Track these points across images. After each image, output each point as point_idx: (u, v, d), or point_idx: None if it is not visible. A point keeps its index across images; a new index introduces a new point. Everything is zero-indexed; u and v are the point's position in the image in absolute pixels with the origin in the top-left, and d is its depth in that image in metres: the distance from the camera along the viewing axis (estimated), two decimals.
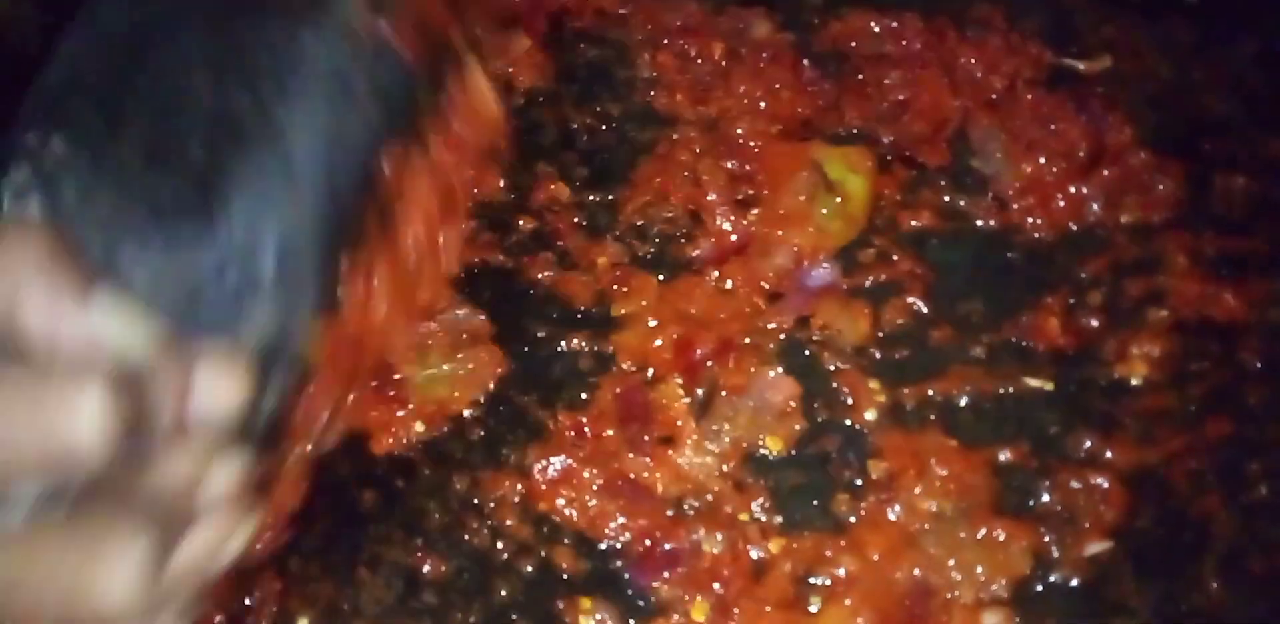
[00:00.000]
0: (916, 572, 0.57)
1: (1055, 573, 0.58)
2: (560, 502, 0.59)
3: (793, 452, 0.61)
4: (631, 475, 0.59)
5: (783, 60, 0.74)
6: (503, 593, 0.58)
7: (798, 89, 0.72)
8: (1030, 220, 0.69)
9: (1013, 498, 0.60)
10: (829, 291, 0.65)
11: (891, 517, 0.58)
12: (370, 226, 0.35)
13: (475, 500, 0.60)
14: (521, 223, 0.69)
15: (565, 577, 0.58)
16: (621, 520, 0.58)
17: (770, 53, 0.74)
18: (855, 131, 0.72)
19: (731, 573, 0.56)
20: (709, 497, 0.59)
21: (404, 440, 0.61)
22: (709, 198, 0.68)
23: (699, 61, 0.76)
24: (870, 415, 0.62)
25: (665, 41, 0.77)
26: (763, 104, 0.72)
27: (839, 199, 0.67)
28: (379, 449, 0.61)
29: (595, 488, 0.59)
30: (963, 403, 0.63)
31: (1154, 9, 0.76)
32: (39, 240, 0.31)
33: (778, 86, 0.72)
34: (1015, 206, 0.69)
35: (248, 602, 0.56)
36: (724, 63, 0.76)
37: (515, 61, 0.76)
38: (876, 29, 0.77)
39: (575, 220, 0.69)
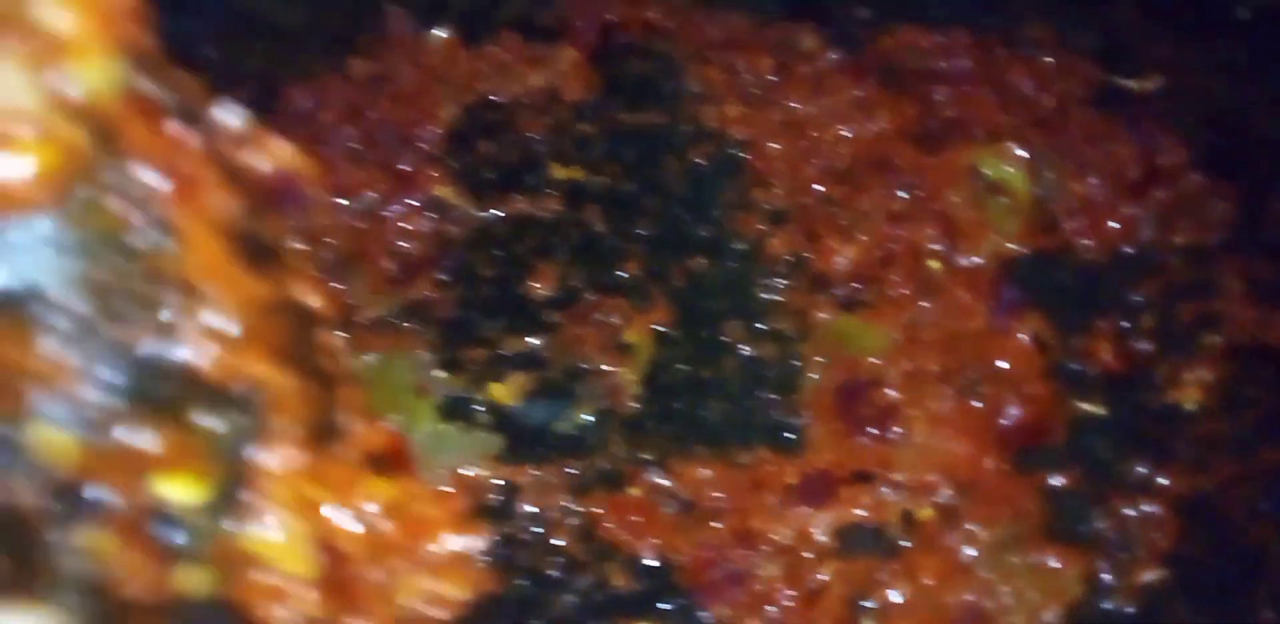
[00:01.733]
0: (969, 596, 0.57)
1: (1108, 600, 0.58)
2: (610, 524, 0.60)
3: None
4: (685, 494, 0.60)
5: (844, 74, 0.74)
6: (558, 611, 0.58)
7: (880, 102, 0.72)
8: (1081, 242, 0.69)
9: (1065, 524, 0.60)
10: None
11: (944, 541, 0.59)
12: None
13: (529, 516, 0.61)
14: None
15: (620, 596, 0.59)
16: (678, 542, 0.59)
17: (827, 67, 0.74)
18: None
19: (787, 596, 0.57)
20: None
21: None
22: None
23: (746, 75, 0.76)
24: None
25: (713, 55, 0.77)
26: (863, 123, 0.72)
27: (1005, 199, 0.66)
28: None
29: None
30: None
31: (1206, 28, 0.75)
32: None
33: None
34: (1066, 227, 0.69)
35: None
36: (772, 77, 0.76)
37: (562, 75, 0.76)
38: (926, 45, 0.77)
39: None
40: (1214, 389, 0.63)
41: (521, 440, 0.63)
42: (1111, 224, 0.69)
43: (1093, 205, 0.70)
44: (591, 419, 0.64)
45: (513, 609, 0.58)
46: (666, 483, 0.61)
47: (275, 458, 0.30)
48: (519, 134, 0.74)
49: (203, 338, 0.28)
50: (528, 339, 0.66)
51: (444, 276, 0.68)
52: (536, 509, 0.61)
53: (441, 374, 0.65)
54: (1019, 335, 0.66)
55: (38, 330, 0.26)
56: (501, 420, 0.64)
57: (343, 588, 0.32)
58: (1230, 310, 0.65)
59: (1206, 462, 0.61)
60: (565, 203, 0.71)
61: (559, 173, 0.73)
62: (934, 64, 0.76)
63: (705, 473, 0.61)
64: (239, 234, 0.30)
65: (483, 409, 0.64)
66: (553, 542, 0.60)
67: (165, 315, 0.28)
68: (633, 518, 0.60)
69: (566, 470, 0.62)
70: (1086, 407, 0.63)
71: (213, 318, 0.29)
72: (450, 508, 0.35)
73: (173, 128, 0.29)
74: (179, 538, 0.28)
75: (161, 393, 0.27)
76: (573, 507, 0.61)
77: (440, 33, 0.76)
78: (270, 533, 0.30)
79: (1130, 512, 0.60)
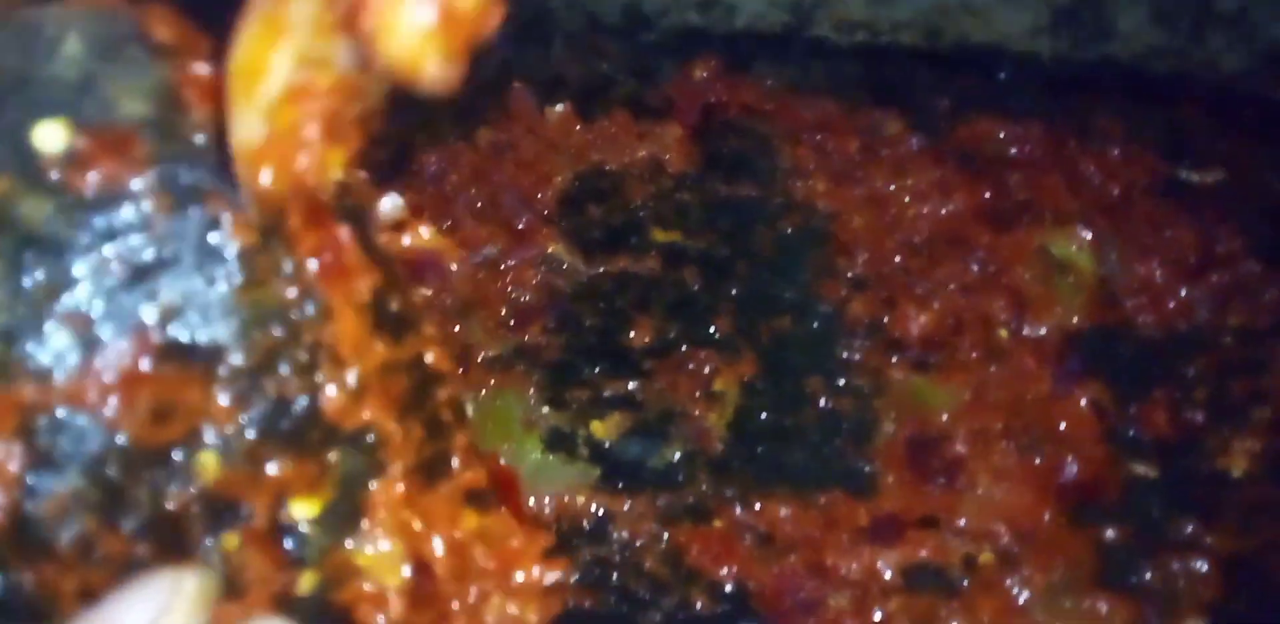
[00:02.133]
0: None
1: None
2: (695, 552, 0.66)
3: None
4: (764, 528, 0.66)
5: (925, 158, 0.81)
6: None
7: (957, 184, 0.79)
8: (1141, 318, 0.74)
9: (1116, 574, 0.64)
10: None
11: (1002, 584, 0.63)
12: None
13: (621, 541, 0.67)
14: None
15: (701, 617, 0.64)
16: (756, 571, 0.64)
17: (909, 150, 0.81)
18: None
19: None
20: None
21: None
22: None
23: (834, 155, 0.83)
24: None
25: (804, 135, 0.84)
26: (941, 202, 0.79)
27: (1071, 277, 0.72)
28: None
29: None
30: None
31: (1267, 125, 0.81)
32: None
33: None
34: (1128, 305, 0.75)
35: None
36: (858, 157, 0.83)
37: (667, 148, 0.84)
38: (1002, 134, 0.83)
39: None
40: (1260, 458, 0.67)
41: (617, 473, 0.69)
42: (1170, 304, 0.74)
43: (1153, 286, 0.75)
44: (681, 457, 0.70)
45: None
46: (748, 518, 0.67)
47: (384, 490, 0.36)
48: (625, 200, 0.81)
49: (336, 391, 0.35)
50: (626, 383, 0.73)
51: (553, 324, 0.75)
52: (628, 535, 0.67)
53: (547, 410, 0.72)
54: (1080, 401, 0.71)
55: (211, 377, 0.33)
56: (600, 454, 0.70)
57: (431, 601, 0.37)
58: (1278, 387, 0.70)
59: (1250, 524, 0.65)
60: (664, 263, 0.78)
61: (660, 236, 0.80)
62: (1009, 151, 0.82)
63: (784, 511, 0.67)
64: (377, 309, 0.37)
65: (583, 444, 0.70)
66: (642, 565, 0.66)
67: (319, 377, 0.34)
68: (716, 548, 0.66)
69: (657, 502, 0.68)
70: (1140, 469, 0.68)
71: (349, 376, 0.35)
72: (539, 544, 0.40)
73: (337, 229, 0.35)
74: (300, 549, 0.34)
75: (294, 431, 0.34)
76: (661, 535, 0.67)
77: (559, 108, 0.85)
78: (373, 550, 0.35)
79: (1177, 566, 0.64)
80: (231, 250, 0.33)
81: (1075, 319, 0.74)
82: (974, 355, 0.73)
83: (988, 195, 0.80)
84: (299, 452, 0.34)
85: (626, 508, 0.67)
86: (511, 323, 0.75)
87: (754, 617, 0.64)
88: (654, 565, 0.66)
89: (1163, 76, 0.84)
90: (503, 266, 0.78)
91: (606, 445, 0.70)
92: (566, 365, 0.74)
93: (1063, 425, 0.69)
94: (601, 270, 0.78)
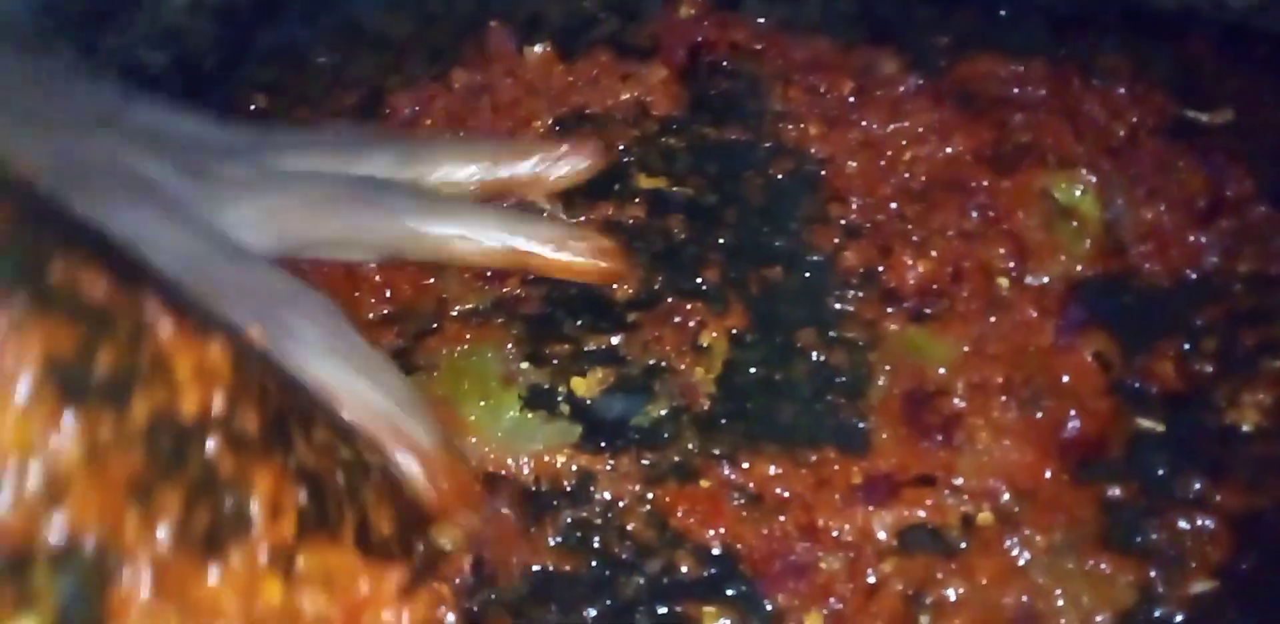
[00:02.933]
0: (1024, 598, 0.59)
1: (1160, 608, 0.60)
2: (680, 513, 0.63)
3: None
4: (753, 488, 0.63)
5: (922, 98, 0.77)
6: (628, 592, 0.61)
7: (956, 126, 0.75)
8: (1148, 266, 0.71)
9: (1121, 534, 0.62)
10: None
11: (1001, 545, 0.61)
12: None
13: (603, 502, 0.64)
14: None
15: (686, 581, 0.61)
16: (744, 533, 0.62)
17: (906, 91, 0.77)
18: None
19: (847, 589, 0.59)
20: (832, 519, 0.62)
21: None
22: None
23: (828, 96, 0.79)
24: None
25: (796, 76, 0.80)
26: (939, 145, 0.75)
27: (1075, 223, 0.69)
28: None
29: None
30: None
31: (1278, 63, 0.78)
32: None
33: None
34: (1133, 252, 0.72)
35: None
36: (852, 98, 0.79)
37: (652, 90, 0.80)
38: (1003, 73, 0.79)
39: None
40: (1272, 412, 0.65)
41: (600, 431, 0.66)
42: (1178, 251, 0.71)
43: (1160, 232, 0.72)
44: (666, 414, 0.67)
45: (585, 589, 0.61)
46: (736, 477, 0.64)
47: (127, 594, 0.30)
48: (608, 145, 0.77)
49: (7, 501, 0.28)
50: (609, 337, 0.70)
51: (532, 276, 0.72)
52: (611, 496, 0.64)
53: (526, 366, 0.69)
54: (1083, 353, 0.68)
55: None
56: (581, 412, 0.67)
57: None
58: None
59: (1261, 480, 0.63)
60: (649, 211, 0.75)
61: (644, 182, 0.76)
62: (1010, 91, 0.79)
63: (773, 469, 0.64)
64: (63, 385, 0.30)
65: (564, 401, 0.67)
66: (625, 527, 0.63)
67: None
68: (702, 508, 0.63)
69: (641, 461, 0.65)
70: (1146, 423, 0.65)
71: (27, 481, 0.28)
72: (392, 581, 0.35)
73: None
74: None
75: None
76: (645, 495, 0.64)
77: (538, 48, 0.81)
78: None
79: (1185, 525, 0.62)
80: None
81: (1079, 267, 0.71)
82: (973, 306, 0.69)
83: (988, 137, 0.76)
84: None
85: (609, 468, 0.65)
86: (489, 274, 0.72)
87: (742, 580, 0.61)
88: (638, 527, 0.63)
89: (1171, 11, 0.80)
90: None
91: (588, 402, 0.67)
92: (547, 319, 0.71)
93: (1065, 378, 0.66)
94: (584, 219, 0.74)
